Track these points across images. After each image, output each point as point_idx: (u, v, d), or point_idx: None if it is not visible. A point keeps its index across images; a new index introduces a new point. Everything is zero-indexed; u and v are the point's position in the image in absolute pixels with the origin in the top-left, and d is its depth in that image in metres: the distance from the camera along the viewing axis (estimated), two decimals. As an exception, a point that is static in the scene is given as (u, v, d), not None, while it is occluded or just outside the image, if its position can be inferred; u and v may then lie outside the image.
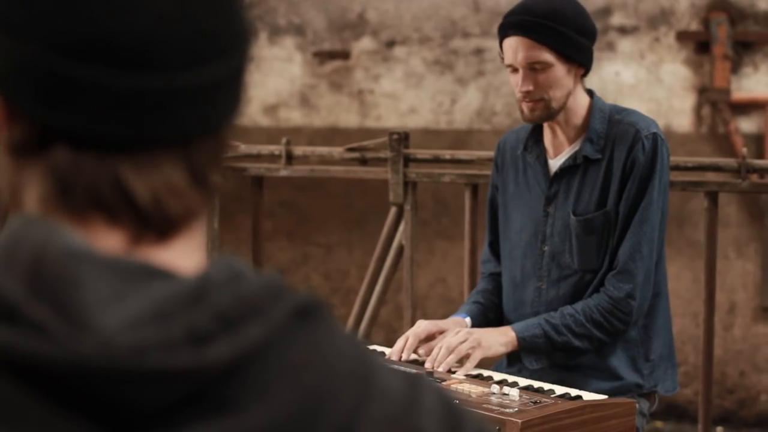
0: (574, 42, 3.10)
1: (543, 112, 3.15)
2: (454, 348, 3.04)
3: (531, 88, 3.11)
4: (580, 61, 3.14)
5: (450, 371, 3.01)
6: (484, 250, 3.51)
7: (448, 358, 3.01)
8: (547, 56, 3.10)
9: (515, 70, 3.14)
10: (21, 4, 0.91)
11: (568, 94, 3.15)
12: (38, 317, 0.85)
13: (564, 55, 3.10)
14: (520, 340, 3.12)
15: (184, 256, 0.95)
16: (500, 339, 3.11)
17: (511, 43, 3.13)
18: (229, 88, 0.96)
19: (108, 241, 0.93)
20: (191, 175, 0.94)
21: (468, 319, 3.27)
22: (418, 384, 0.98)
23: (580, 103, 3.21)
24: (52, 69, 0.90)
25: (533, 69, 3.11)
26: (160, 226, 0.94)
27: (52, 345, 0.84)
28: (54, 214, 0.93)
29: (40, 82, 0.90)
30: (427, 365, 3.02)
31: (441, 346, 3.05)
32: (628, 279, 3.13)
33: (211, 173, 0.96)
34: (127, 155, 0.92)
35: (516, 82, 3.14)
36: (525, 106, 3.16)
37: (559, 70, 3.11)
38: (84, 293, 0.87)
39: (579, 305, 3.15)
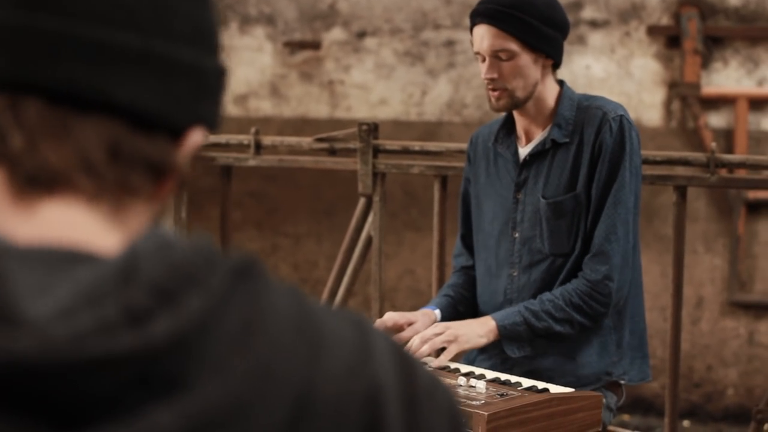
0: (541, 32, 3.12)
1: (507, 101, 3.17)
2: (428, 339, 3.03)
3: (495, 75, 3.14)
4: (547, 51, 3.16)
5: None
6: (456, 244, 3.50)
7: (422, 349, 3.00)
8: (512, 45, 3.12)
9: (483, 58, 3.15)
10: None
11: (535, 84, 3.17)
12: None
13: (529, 44, 3.12)
14: (501, 328, 3.12)
15: (96, 225, 0.92)
16: (479, 330, 3.11)
17: (479, 31, 3.16)
18: (141, 69, 0.94)
19: (6, 191, 0.91)
20: (78, 141, 0.92)
21: (437, 311, 3.27)
22: (367, 330, 0.96)
23: (550, 94, 3.22)
24: None
25: (498, 57, 3.13)
26: (34, 173, 0.91)
27: None
28: None
29: None
30: None
31: (415, 337, 3.05)
32: (605, 261, 3.13)
33: (122, 162, 0.93)
34: (11, 98, 0.91)
35: (483, 70, 3.16)
36: (491, 95, 3.19)
37: (525, 60, 3.13)
38: (9, 287, 0.83)
39: (558, 290, 3.15)
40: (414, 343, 3.03)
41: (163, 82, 0.95)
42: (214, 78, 0.99)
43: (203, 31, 0.99)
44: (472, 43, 3.21)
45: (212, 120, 1.00)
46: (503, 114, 3.33)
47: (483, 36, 3.14)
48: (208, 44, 0.99)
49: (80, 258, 0.87)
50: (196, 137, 0.98)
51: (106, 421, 0.82)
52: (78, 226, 0.92)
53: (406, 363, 0.96)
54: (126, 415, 0.82)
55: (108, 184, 0.93)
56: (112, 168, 0.93)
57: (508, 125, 3.32)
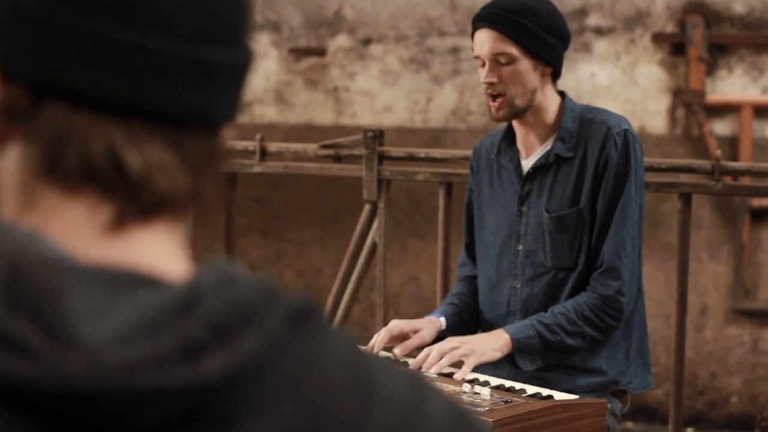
0: (541, 39, 3.13)
1: (507, 110, 3.17)
2: (446, 352, 3.02)
3: (494, 80, 3.15)
4: (547, 59, 3.16)
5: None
6: (460, 254, 3.50)
7: (441, 361, 2.99)
8: (512, 50, 3.13)
9: (483, 63, 3.16)
10: None
11: (534, 92, 3.17)
12: (19, 334, 0.78)
13: (529, 50, 3.13)
14: (515, 341, 3.10)
15: (167, 247, 0.91)
16: (494, 344, 3.09)
17: (480, 35, 3.18)
18: (230, 82, 0.93)
19: (98, 216, 0.88)
20: (182, 161, 0.90)
21: (442, 319, 3.26)
22: (422, 387, 0.92)
23: (551, 103, 3.22)
24: (53, 17, 0.86)
25: (498, 62, 3.14)
26: (146, 203, 0.88)
27: (35, 365, 0.78)
28: (42, 188, 0.88)
29: (39, 31, 0.86)
30: (412, 368, 3.00)
31: (432, 349, 3.04)
32: (616, 276, 3.14)
33: (203, 172, 0.92)
34: (122, 122, 0.87)
35: (482, 74, 3.17)
36: (491, 106, 3.20)
37: (524, 66, 3.14)
38: (67, 306, 0.80)
39: (569, 304, 3.15)
40: (431, 355, 3.02)
41: (237, 90, 0.94)
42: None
43: (250, 26, 0.97)
44: (473, 49, 3.21)
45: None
46: (505, 123, 3.34)
47: (484, 40, 3.15)
48: (251, 37, 0.97)
49: (144, 281, 0.85)
50: (230, 129, 0.97)
51: None
52: (156, 247, 0.90)
53: (463, 421, 0.93)
54: None
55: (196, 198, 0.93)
56: (207, 181, 0.93)
57: (510, 136, 3.32)
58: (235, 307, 0.84)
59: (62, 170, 0.87)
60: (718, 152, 3.94)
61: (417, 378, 0.93)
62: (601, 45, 6.43)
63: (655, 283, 6.20)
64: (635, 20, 6.41)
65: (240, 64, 0.94)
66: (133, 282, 0.84)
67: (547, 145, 3.23)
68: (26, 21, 0.87)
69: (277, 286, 0.88)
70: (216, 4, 0.90)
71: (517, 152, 3.30)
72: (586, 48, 6.41)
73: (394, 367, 0.93)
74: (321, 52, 6.88)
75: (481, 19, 3.17)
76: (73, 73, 0.86)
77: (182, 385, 0.80)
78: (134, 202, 0.88)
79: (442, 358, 2.99)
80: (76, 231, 0.88)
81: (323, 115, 6.89)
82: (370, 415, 0.87)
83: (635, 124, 6.12)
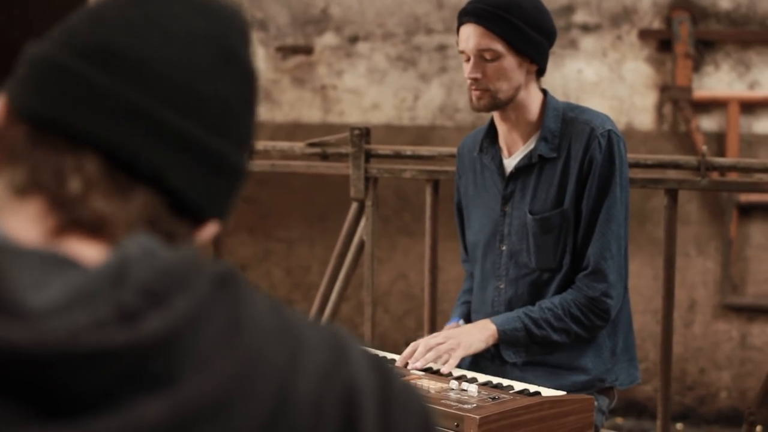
0: (527, 36, 3.12)
1: (489, 101, 3.16)
2: (432, 347, 3.03)
3: (478, 75, 3.13)
4: (532, 56, 3.15)
5: (407, 365, 3.00)
6: (461, 251, 3.51)
7: (427, 355, 3.00)
8: (498, 46, 3.11)
9: (468, 58, 3.15)
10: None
11: (518, 88, 3.16)
12: None
13: (515, 47, 3.12)
14: (501, 333, 3.12)
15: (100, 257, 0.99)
16: (480, 336, 3.11)
17: (466, 30, 3.16)
18: (193, 164, 1.02)
19: (44, 223, 0.98)
20: (124, 210, 1.00)
21: (461, 322, 3.30)
22: (344, 339, 1.02)
23: (534, 101, 3.22)
24: (58, 64, 0.99)
25: (483, 57, 3.13)
26: (86, 221, 0.98)
27: None
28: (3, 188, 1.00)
29: (50, 76, 0.99)
30: (399, 363, 3.01)
31: (418, 343, 3.05)
32: (602, 279, 3.13)
33: (144, 219, 1.01)
34: (74, 152, 0.99)
35: (467, 69, 3.16)
36: (473, 94, 3.18)
37: (509, 62, 3.13)
38: (9, 282, 0.88)
39: (556, 299, 3.15)
40: (418, 350, 3.02)
41: (209, 177, 1.04)
42: (244, 179, 1.10)
43: (249, 137, 1.09)
44: (458, 43, 3.20)
45: (227, 215, 1.09)
46: (488, 121, 3.33)
47: (469, 35, 3.14)
48: (250, 148, 1.10)
49: (71, 264, 0.94)
50: (212, 228, 1.07)
51: (97, 412, 0.87)
52: (91, 255, 0.99)
53: (382, 369, 1.04)
54: (116, 406, 0.87)
55: None
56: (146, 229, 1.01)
57: (491, 135, 3.31)
58: (164, 272, 0.92)
59: (14, 180, 1.00)
60: (705, 148, 3.94)
61: (337, 331, 1.03)
62: (587, 41, 6.44)
63: (644, 278, 6.21)
64: (622, 17, 6.42)
65: (215, 152, 1.04)
66: (61, 263, 0.94)
67: (530, 144, 3.22)
68: (40, 66, 1.01)
69: (199, 256, 0.96)
70: (223, 97, 1.03)
71: (499, 150, 3.29)
72: (573, 45, 6.42)
73: (314, 322, 1.03)
74: (308, 50, 6.88)
75: (467, 14, 3.16)
76: (67, 111, 0.99)
77: (124, 346, 0.87)
78: (74, 217, 0.99)
79: (428, 353, 3.00)
80: (25, 232, 0.98)
81: (310, 113, 6.89)
82: (298, 365, 0.96)
83: (622, 121, 6.13)
